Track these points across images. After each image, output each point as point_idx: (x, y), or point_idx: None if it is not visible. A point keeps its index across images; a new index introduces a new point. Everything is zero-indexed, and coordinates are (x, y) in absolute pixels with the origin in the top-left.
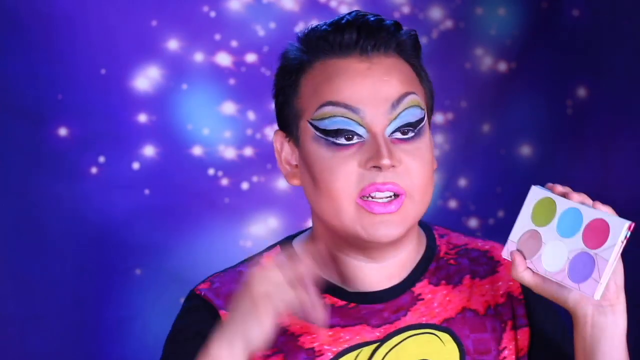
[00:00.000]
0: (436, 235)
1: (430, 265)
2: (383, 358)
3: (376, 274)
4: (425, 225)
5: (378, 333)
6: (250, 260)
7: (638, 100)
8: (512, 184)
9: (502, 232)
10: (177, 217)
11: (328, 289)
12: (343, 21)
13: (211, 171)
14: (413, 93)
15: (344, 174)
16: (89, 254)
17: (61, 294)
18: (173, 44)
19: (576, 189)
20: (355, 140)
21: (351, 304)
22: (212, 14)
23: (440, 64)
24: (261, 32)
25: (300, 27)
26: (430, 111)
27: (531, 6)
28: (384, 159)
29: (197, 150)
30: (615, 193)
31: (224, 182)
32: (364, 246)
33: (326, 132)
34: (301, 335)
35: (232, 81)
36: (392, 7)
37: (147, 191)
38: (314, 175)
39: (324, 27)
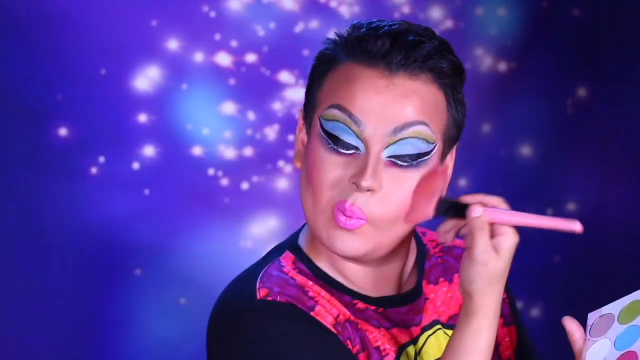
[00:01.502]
0: (420, 234)
1: (425, 264)
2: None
3: (378, 277)
4: None
5: (409, 335)
6: (265, 265)
7: (638, 101)
8: (512, 184)
9: None
10: (177, 217)
11: (354, 294)
12: (382, 30)
13: (211, 171)
14: (423, 124)
15: (331, 179)
16: (89, 254)
17: (61, 294)
18: (173, 44)
19: (576, 189)
20: (351, 151)
21: (380, 309)
22: (212, 14)
23: None
24: (261, 32)
25: (300, 27)
26: (454, 140)
27: (531, 6)
28: (365, 181)
29: (197, 150)
30: (614, 193)
31: (224, 182)
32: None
33: (328, 134)
34: (366, 331)
35: (232, 81)
36: (392, 7)
37: (147, 191)
38: (308, 169)
39: (364, 29)
